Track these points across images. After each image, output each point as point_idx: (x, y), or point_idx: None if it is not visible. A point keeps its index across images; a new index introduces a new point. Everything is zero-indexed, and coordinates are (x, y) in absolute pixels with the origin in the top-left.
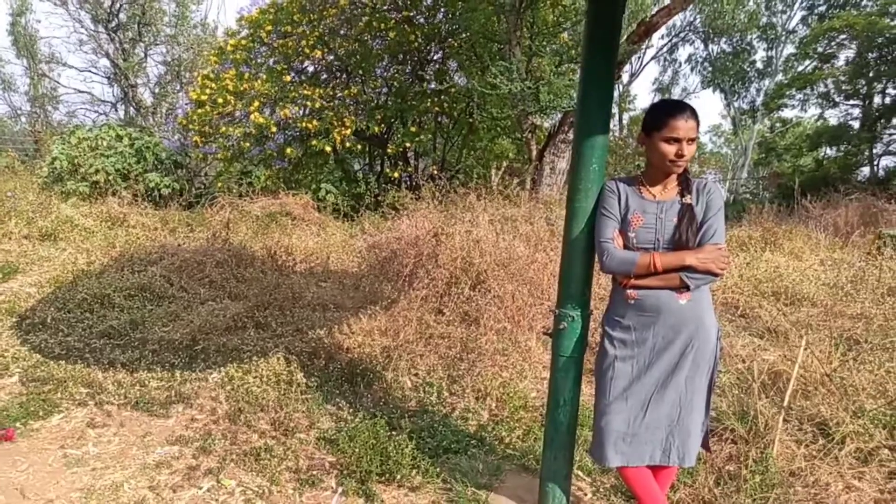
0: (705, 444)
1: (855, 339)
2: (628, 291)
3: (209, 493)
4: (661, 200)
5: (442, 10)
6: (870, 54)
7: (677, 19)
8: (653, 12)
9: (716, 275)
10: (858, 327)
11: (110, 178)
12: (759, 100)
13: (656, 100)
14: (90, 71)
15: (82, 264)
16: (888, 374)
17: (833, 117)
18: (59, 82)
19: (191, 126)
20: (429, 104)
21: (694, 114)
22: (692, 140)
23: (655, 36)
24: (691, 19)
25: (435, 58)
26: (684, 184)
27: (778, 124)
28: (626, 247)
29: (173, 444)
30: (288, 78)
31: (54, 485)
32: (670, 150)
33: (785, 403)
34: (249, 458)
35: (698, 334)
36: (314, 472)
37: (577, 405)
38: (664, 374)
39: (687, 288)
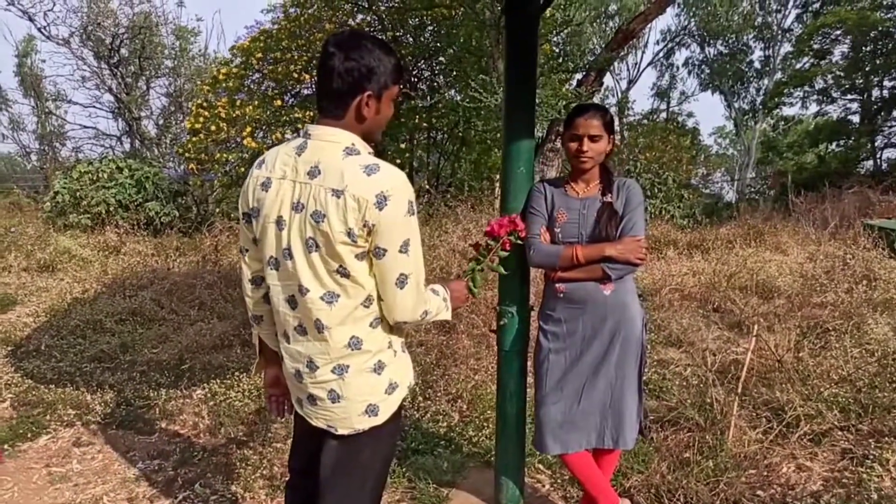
0: (640, 431)
1: (823, 328)
2: (557, 285)
3: (184, 502)
4: (584, 198)
5: (429, 28)
6: (864, 48)
7: (671, 23)
8: (630, 19)
9: (634, 265)
10: (824, 315)
11: (111, 209)
12: (759, 99)
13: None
14: (94, 106)
15: (77, 293)
16: (849, 359)
17: (834, 112)
18: (65, 119)
19: (187, 154)
20: (417, 120)
21: (598, 114)
22: (594, 137)
23: (651, 41)
24: (686, 23)
25: (424, 75)
26: (606, 182)
27: (781, 123)
28: (553, 242)
29: (154, 459)
30: (279, 102)
31: (37, 500)
32: (573, 146)
33: (738, 390)
34: (227, 467)
35: (624, 322)
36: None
37: (523, 397)
38: (594, 362)
39: (609, 278)
